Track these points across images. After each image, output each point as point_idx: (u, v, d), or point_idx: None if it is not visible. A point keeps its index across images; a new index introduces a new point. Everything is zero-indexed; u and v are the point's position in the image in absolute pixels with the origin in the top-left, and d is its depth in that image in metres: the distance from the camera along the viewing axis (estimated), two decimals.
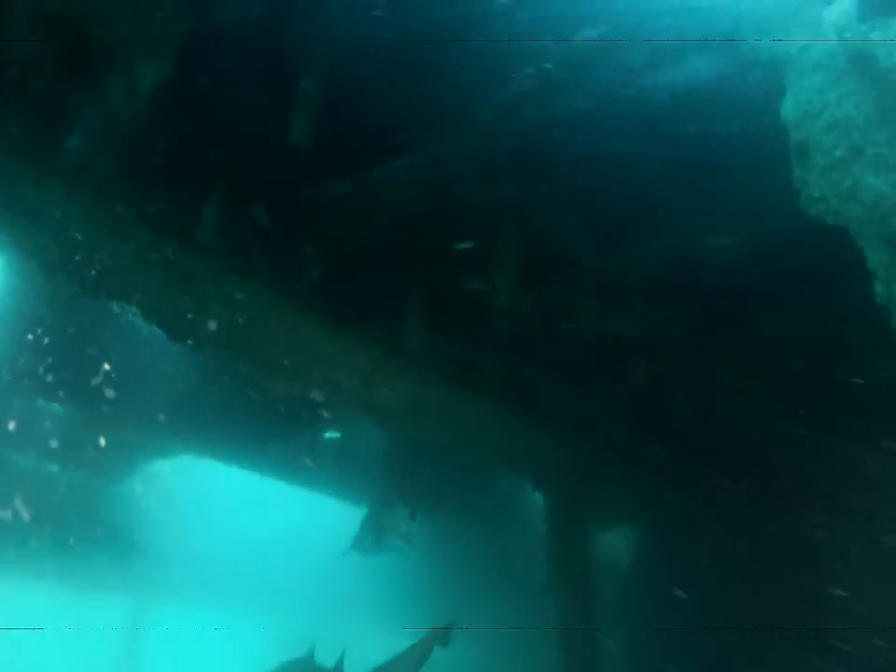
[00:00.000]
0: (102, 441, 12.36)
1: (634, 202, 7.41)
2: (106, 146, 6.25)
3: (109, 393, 10.72)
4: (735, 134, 6.25)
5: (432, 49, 5.85)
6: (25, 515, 13.56)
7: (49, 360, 9.83)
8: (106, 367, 10.14)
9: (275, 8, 5.89)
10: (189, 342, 7.04)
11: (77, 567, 15.65)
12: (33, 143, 6.11)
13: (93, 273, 6.54)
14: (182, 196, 6.43)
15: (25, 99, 6.08)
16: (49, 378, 10.43)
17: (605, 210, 7.67)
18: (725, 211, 7.12)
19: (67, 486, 14.08)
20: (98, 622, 23.16)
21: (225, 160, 6.46)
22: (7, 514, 13.45)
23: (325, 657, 8.94)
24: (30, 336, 9.27)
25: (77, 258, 6.45)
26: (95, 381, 10.48)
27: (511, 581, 12.67)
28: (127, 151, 6.26)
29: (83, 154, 6.18)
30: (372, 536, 11.52)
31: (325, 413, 10.20)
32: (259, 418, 10.68)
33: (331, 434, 12.31)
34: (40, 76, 6.04)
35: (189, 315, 6.80)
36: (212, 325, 6.84)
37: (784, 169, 4.93)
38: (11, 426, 11.84)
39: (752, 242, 7.42)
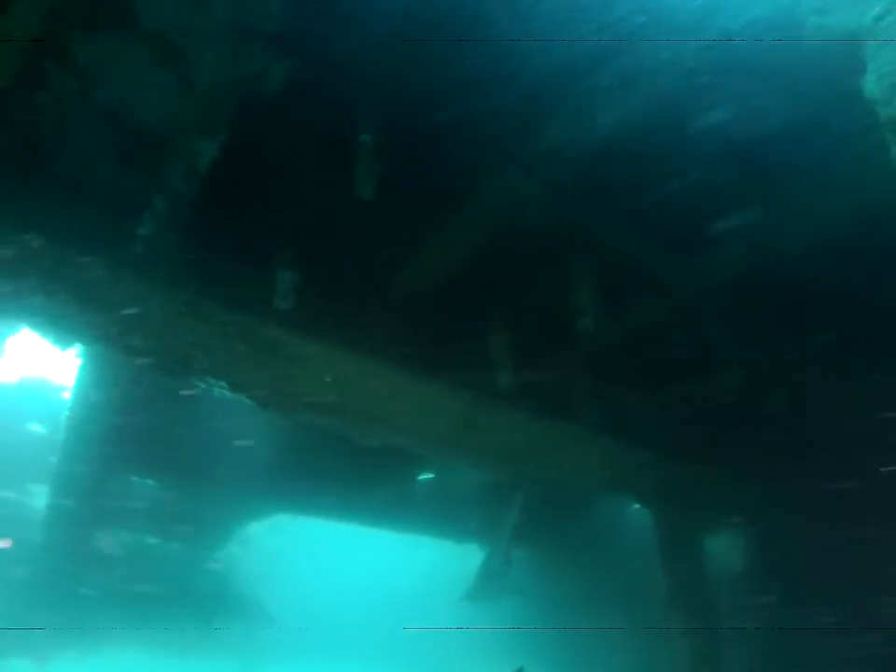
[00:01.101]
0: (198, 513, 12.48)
1: (710, 206, 7.16)
2: (173, 227, 6.23)
3: (200, 465, 10.83)
4: (814, 122, 5.98)
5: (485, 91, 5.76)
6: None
7: (142, 439, 9.91)
8: (196, 441, 10.23)
9: (322, 71, 5.82)
10: (279, 410, 7.00)
11: (181, 632, 15.78)
12: (103, 235, 6.11)
13: (176, 354, 6.53)
14: (255, 267, 6.37)
15: (92, 192, 6.08)
16: (143, 455, 10.54)
17: (678, 219, 7.44)
18: (811, 201, 6.81)
19: (167, 557, 14.21)
20: None
21: (292, 223, 6.39)
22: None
23: None
24: (121, 418, 9.37)
25: (158, 342, 6.44)
26: (186, 454, 10.58)
27: (625, 603, 12.42)
28: (193, 230, 6.23)
29: (153, 239, 6.17)
30: (490, 583, 11.45)
31: (419, 460, 10.13)
32: (352, 471, 10.63)
33: (426, 475, 12.21)
34: (102, 169, 6.05)
35: (276, 383, 6.75)
36: (299, 389, 6.79)
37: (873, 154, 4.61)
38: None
39: (834, 234, 7.11)
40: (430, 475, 12.29)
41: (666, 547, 10.50)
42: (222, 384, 6.74)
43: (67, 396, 11.96)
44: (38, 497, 13.63)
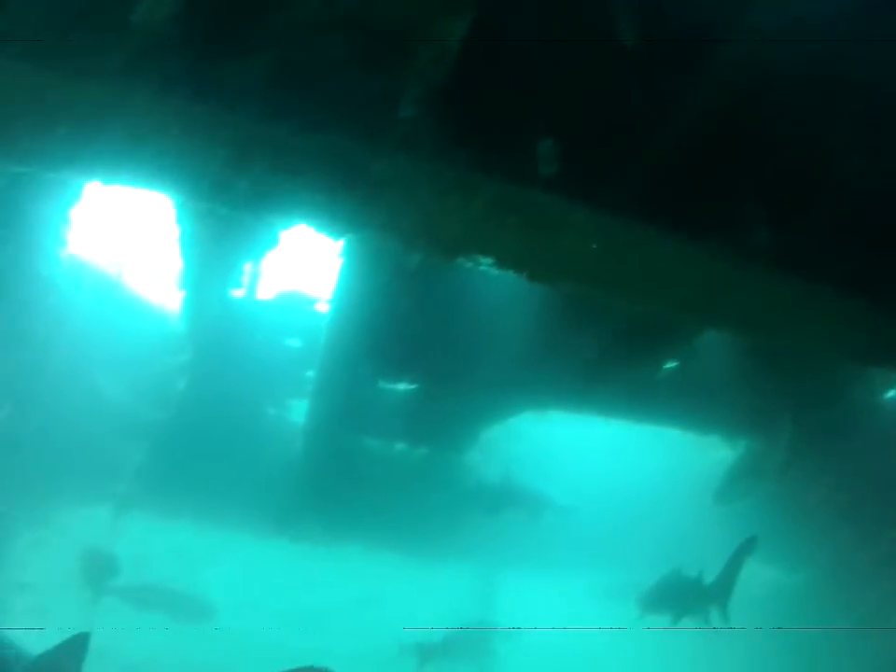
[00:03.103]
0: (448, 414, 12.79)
1: None
2: (433, 107, 6.34)
3: (454, 365, 11.07)
4: None
5: None
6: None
7: (397, 340, 10.23)
8: (450, 340, 10.43)
9: None
10: (545, 282, 7.07)
11: (425, 536, 16.34)
12: (367, 120, 6.31)
13: (444, 233, 6.68)
14: (516, 134, 6.39)
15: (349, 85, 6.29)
16: (398, 358, 10.90)
17: None
18: None
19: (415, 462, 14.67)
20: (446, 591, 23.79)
21: (550, 87, 6.36)
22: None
23: None
24: (377, 319, 9.69)
25: (426, 222, 6.60)
26: (440, 355, 10.84)
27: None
28: (452, 106, 6.32)
29: (414, 120, 6.31)
30: (742, 484, 11.29)
31: (671, 339, 9.99)
32: (598, 359, 10.59)
33: (671, 364, 11.99)
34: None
35: (543, 254, 6.79)
36: (566, 258, 6.82)
37: None
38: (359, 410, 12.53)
39: None
40: (674, 363, 12.06)
41: None
42: (489, 260, 6.83)
43: (322, 308, 12.53)
44: (297, 412, 14.42)
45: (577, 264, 6.88)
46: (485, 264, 6.95)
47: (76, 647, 5.76)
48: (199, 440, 13.80)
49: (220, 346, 12.30)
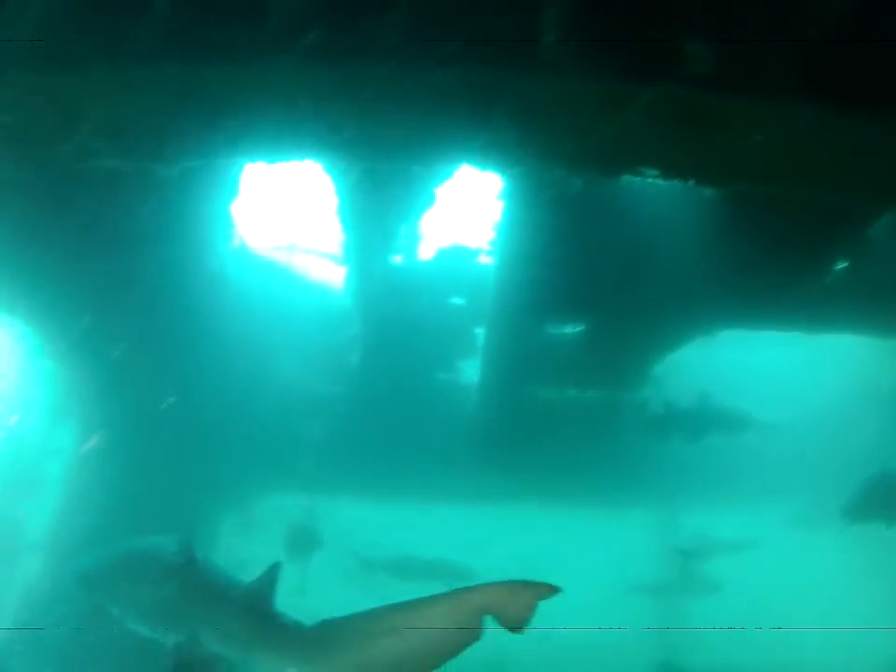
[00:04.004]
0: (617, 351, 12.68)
1: None
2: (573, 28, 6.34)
3: (620, 297, 10.94)
4: None
5: None
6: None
7: (563, 278, 10.21)
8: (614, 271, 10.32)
9: None
10: (712, 184, 6.99)
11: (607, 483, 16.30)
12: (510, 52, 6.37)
13: (606, 148, 6.70)
14: (661, 41, 6.32)
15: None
16: (564, 298, 10.88)
17: None
18: None
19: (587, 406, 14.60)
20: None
21: None
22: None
23: None
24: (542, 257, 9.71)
25: (586, 138, 6.63)
26: (605, 289, 10.74)
27: None
28: (592, 24, 6.30)
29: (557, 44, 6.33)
30: None
31: (841, 235, 9.65)
32: (763, 269, 10.29)
33: (841, 265, 11.52)
34: None
35: (707, 156, 6.72)
36: (730, 156, 6.73)
37: None
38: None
39: None
40: (845, 263, 11.58)
41: None
42: (654, 171, 6.81)
43: (484, 260, 12.56)
44: (466, 373, 14.60)
45: (743, 160, 6.78)
46: (651, 176, 6.93)
47: (271, 576, 7.05)
48: (375, 412, 14.17)
49: (386, 315, 12.51)
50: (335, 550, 17.45)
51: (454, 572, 18.12)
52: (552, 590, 5.31)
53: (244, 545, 15.39)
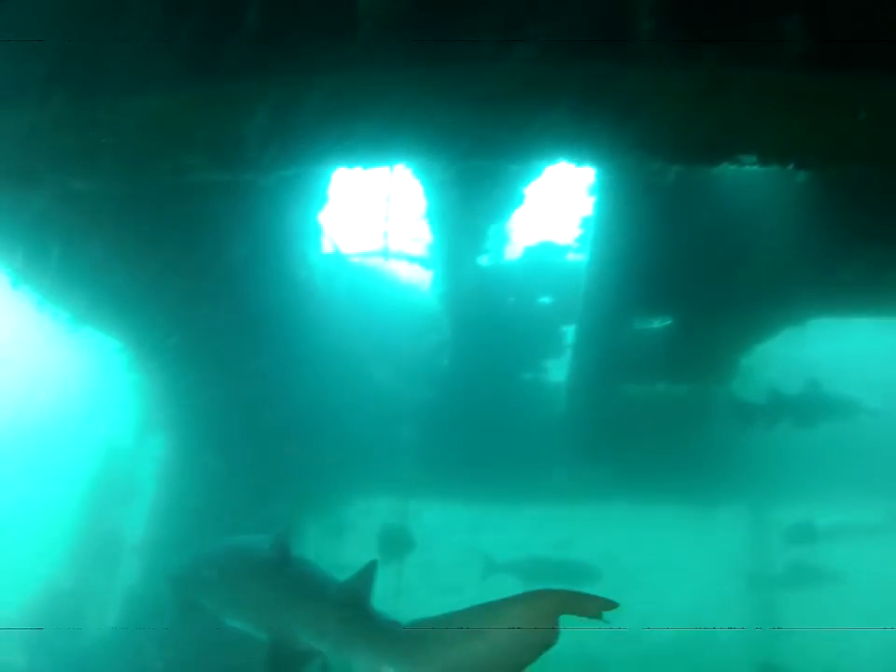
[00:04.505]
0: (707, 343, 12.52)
1: None
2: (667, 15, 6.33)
3: (710, 289, 10.80)
4: None
5: None
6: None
7: (654, 271, 10.15)
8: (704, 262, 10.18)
9: None
10: (813, 167, 6.88)
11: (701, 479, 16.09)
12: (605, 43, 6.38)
13: (700, 137, 6.65)
14: (758, 22, 6.26)
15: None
16: (654, 292, 10.79)
17: None
18: None
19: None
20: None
21: None
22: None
23: None
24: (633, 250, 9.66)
25: (683, 130, 6.59)
26: (695, 280, 10.62)
27: None
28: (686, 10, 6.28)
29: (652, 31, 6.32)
30: None
31: None
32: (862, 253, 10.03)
33: None
34: None
35: (806, 137, 6.63)
36: (830, 136, 6.62)
37: None
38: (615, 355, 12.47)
39: None
40: None
41: None
42: (751, 157, 6.75)
43: (573, 257, 12.52)
44: (553, 373, 14.59)
45: (846, 140, 6.66)
46: (748, 163, 6.86)
47: (367, 574, 7.00)
48: (465, 416, 14.26)
49: (475, 318, 12.57)
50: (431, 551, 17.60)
51: (574, 572, 18.27)
52: (610, 605, 5.29)
53: (333, 548, 15.62)
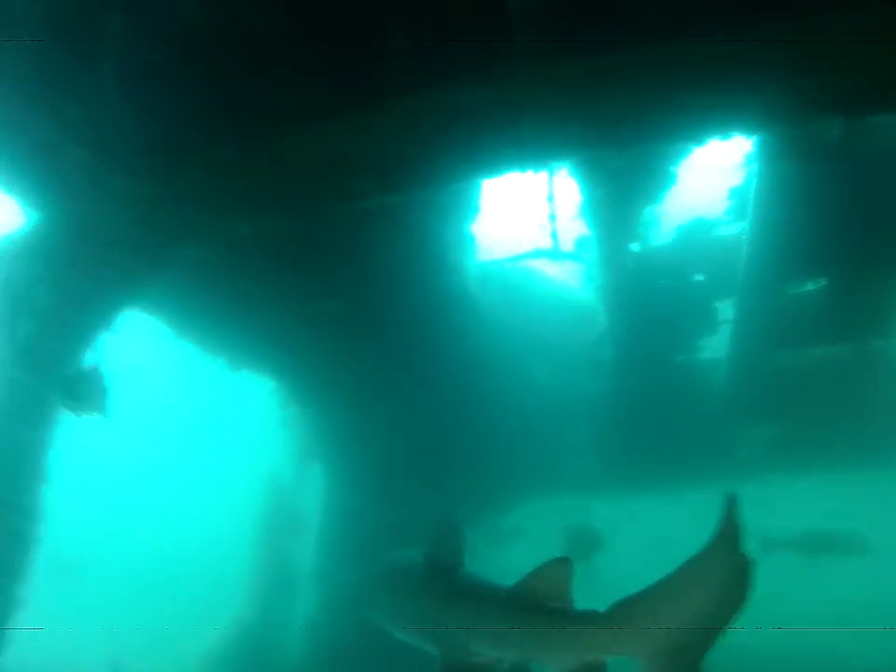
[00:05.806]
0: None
1: None
2: None
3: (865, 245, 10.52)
4: None
5: None
6: None
7: (813, 233, 9.94)
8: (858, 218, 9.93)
9: None
10: None
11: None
12: None
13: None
14: None
15: None
16: (810, 254, 10.56)
17: None
18: None
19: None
20: None
21: None
22: None
23: None
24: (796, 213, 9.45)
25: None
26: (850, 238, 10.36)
27: None
28: None
29: None
30: None
31: None
32: None
33: None
34: None
35: None
36: None
37: None
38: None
39: None
40: None
41: None
42: None
43: (724, 231, 12.26)
44: (706, 351, 14.32)
45: None
46: None
47: (557, 569, 6.71)
48: (635, 404, 14.17)
49: (632, 305, 12.46)
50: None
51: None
52: None
53: (500, 553, 15.67)
